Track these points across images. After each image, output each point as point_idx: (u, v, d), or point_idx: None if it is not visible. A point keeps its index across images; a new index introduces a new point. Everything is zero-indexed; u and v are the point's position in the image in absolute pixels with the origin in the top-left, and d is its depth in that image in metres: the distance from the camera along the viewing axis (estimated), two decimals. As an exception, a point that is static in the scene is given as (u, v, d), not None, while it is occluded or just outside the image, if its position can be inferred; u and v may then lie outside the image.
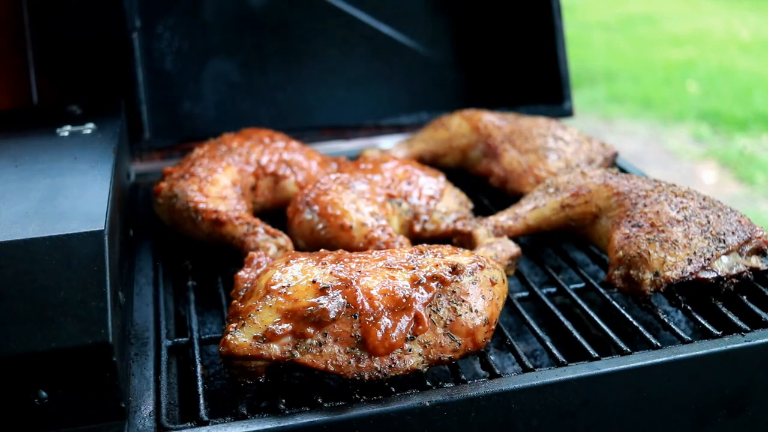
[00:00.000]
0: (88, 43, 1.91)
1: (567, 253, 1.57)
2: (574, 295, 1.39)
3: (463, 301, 1.13)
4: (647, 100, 6.00)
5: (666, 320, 1.26)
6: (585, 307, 1.33)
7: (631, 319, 1.27)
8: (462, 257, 1.20)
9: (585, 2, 8.97)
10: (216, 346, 1.31)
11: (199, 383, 1.14)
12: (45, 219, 1.08)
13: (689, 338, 1.19)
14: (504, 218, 1.53)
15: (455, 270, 1.15)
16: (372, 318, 1.07)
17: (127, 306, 1.25)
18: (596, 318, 1.28)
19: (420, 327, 1.09)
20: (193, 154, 1.64)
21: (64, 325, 0.98)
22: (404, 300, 1.10)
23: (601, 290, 1.40)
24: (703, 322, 1.23)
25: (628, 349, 1.17)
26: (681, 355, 1.14)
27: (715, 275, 1.28)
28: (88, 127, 1.51)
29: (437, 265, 1.16)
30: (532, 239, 1.60)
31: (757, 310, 1.27)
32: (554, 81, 2.09)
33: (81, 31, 1.91)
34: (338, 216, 1.45)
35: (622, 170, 1.80)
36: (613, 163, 1.80)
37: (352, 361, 1.06)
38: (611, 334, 1.22)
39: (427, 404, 1.05)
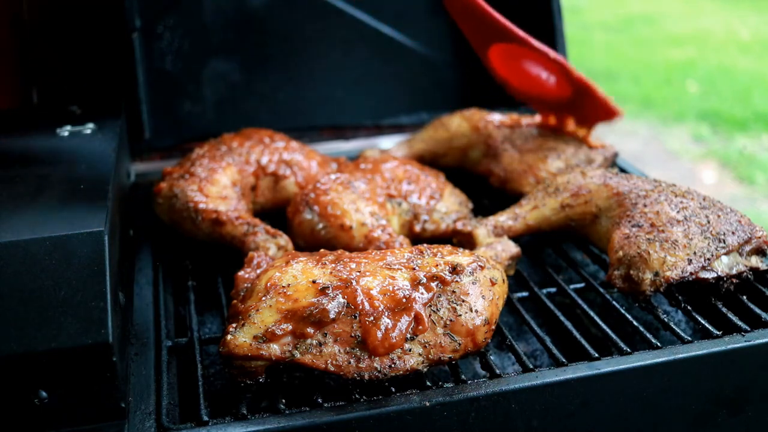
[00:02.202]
0: (88, 43, 1.91)
1: (567, 253, 1.57)
2: (574, 295, 1.39)
3: (463, 301, 1.13)
4: (647, 100, 6.00)
5: (666, 320, 1.26)
6: (585, 307, 1.33)
7: (631, 319, 1.27)
8: (462, 257, 1.20)
9: (588, 3, 8.96)
10: (216, 346, 1.31)
11: (199, 383, 1.14)
12: (45, 219, 1.08)
13: (689, 338, 1.19)
14: (504, 218, 1.53)
15: (455, 270, 1.15)
16: (372, 318, 1.07)
17: (127, 306, 1.25)
18: (596, 318, 1.28)
19: (420, 327, 1.09)
20: (193, 154, 1.64)
21: (64, 325, 0.98)
22: (404, 300, 1.10)
23: (601, 290, 1.40)
24: (703, 322, 1.23)
25: (628, 349, 1.17)
26: (681, 355, 1.14)
27: (715, 275, 1.28)
28: (88, 127, 1.51)
29: (437, 265, 1.16)
30: (532, 239, 1.60)
31: (757, 310, 1.27)
32: (554, 81, 2.08)
33: (81, 31, 1.91)
34: (338, 216, 1.45)
35: (622, 170, 1.80)
36: (613, 163, 1.80)
37: (352, 361, 1.06)
38: (611, 334, 1.22)
39: (427, 404, 1.05)
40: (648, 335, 1.20)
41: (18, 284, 0.99)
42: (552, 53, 1.67)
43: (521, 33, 1.66)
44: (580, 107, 1.73)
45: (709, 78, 6.35)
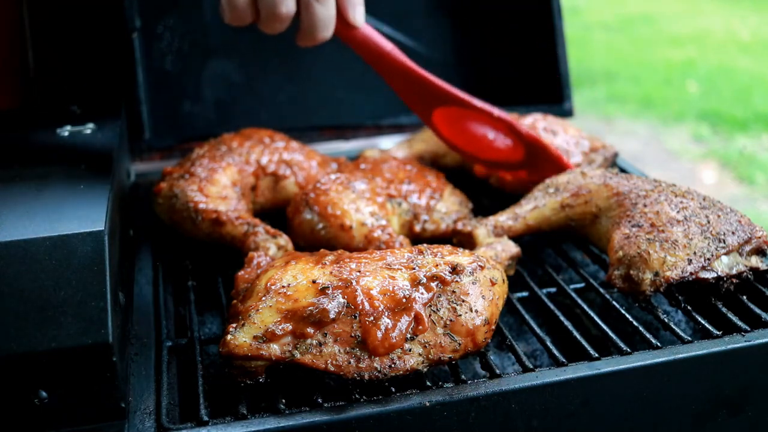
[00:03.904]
0: (88, 43, 1.91)
1: (567, 253, 1.57)
2: (574, 295, 1.39)
3: (463, 301, 1.13)
4: (647, 100, 6.01)
5: (666, 320, 1.26)
6: (585, 307, 1.33)
7: (631, 319, 1.27)
8: (462, 257, 1.20)
9: (587, 3, 8.97)
10: (216, 346, 1.31)
11: (199, 383, 1.14)
12: (45, 219, 1.08)
13: (689, 338, 1.19)
14: (504, 218, 1.53)
15: (455, 270, 1.15)
16: (372, 318, 1.07)
17: (127, 306, 1.25)
18: (596, 318, 1.28)
19: (420, 327, 1.09)
20: (193, 154, 1.65)
21: (64, 325, 0.98)
22: (404, 300, 1.10)
23: (601, 290, 1.40)
24: (703, 322, 1.23)
25: (628, 349, 1.17)
26: (681, 355, 1.14)
27: (715, 275, 1.28)
28: (88, 127, 1.51)
29: (437, 265, 1.16)
30: (532, 239, 1.60)
31: (757, 310, 1.27)
32: (554, 81, 2.09)
33: (81, 31, 1.91)
34: (338, 216, 1.45)
35: (622, 170, 1.80)
36: (613, 163, 1.80)
37: (352, 361, 1.06)
38: (611, 334, 1.22)
39: (427, 404, 1.05)
40: (648, 335, 1.20)
41: (18, 284, 0.99)
42: (496, 111, 1.61)
43: (461, 94, 1.61)
44: (534, 165, 1.65)
45: (709, 78, 6.36)
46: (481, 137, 1.67)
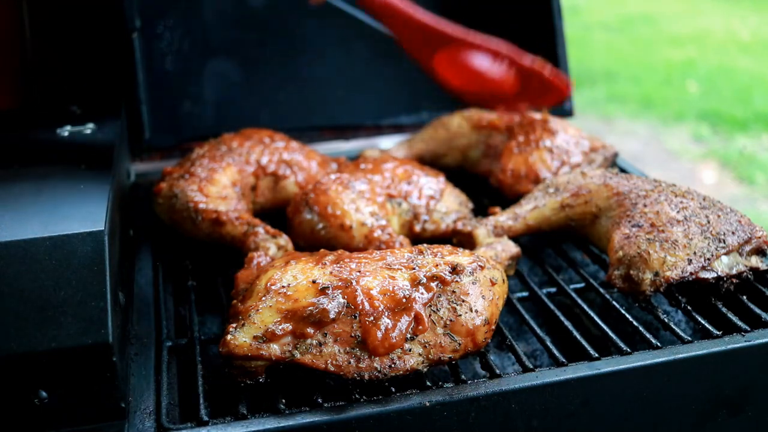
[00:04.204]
0: (88, 43, 1.91)
1: (567, 253, 1.57)
2: (574, 295, 1.39)
3: (463, 301, 1.13)
4: (647, 100, 6.00)
5: (666, 320, 1.26)
6: (585, 307, 1.33)
7: (631, 319, 1.27)
8: (462, 257, 1.20)
9: (587, 3, 8.96)
10: (216, 346, 1.31)
11: (199, 383, 1.14)
12: (45, 219, 1.08)
13: (689, 338, 1.19)
14: (504, 218, 1.53)
15: (455, 270, 1.15)
16: (372, 318, 1.07)
17: (127, 306, 1.25)
18: (596, 318, 1.28)
19: (420, 327, 1.09)
20: (193, 154, 1.65)
21: (64, 325, 0.98)
22: (404, 300, 1.10)
23: (601, 290, 1.40)
24: (703, 322, 1.23)
25: (628, 349, 1.17)
26: (681, 355, 1.14)
27: (715, 275, 1.28)
28: (88, 127, 1.51)
29: (437, 265, 1.16)
30: (532, 239, 1.60)
31: (757, 310, 1.27)
32: (554, 81, 2.08)
33: (81, 31, 1.91)
34: (338, 216, 1.45)
35: (622, 170, 1.80)
36: (613, 163, 1.80)
37: (352, 361, 1.06)
38: (611, 334, 1.22)
39: (427, 404, 1.05)
40: (648, 335, 1.20)
41: (18, 284, 0.99)
42: (493, 44, 1.70)
43: (458, 32, 1.70)
44: (531, 92, 1.74)
45: (709, 78, 6.35)
46: (481, 74, 1.76)
